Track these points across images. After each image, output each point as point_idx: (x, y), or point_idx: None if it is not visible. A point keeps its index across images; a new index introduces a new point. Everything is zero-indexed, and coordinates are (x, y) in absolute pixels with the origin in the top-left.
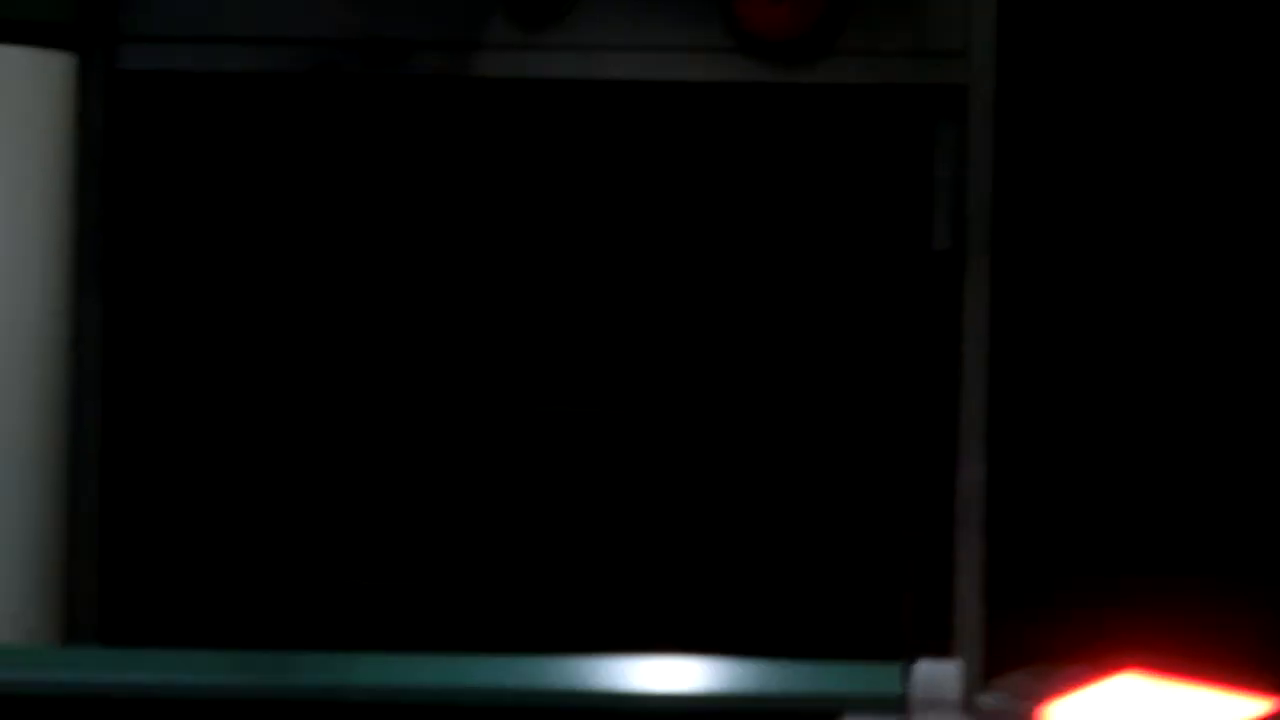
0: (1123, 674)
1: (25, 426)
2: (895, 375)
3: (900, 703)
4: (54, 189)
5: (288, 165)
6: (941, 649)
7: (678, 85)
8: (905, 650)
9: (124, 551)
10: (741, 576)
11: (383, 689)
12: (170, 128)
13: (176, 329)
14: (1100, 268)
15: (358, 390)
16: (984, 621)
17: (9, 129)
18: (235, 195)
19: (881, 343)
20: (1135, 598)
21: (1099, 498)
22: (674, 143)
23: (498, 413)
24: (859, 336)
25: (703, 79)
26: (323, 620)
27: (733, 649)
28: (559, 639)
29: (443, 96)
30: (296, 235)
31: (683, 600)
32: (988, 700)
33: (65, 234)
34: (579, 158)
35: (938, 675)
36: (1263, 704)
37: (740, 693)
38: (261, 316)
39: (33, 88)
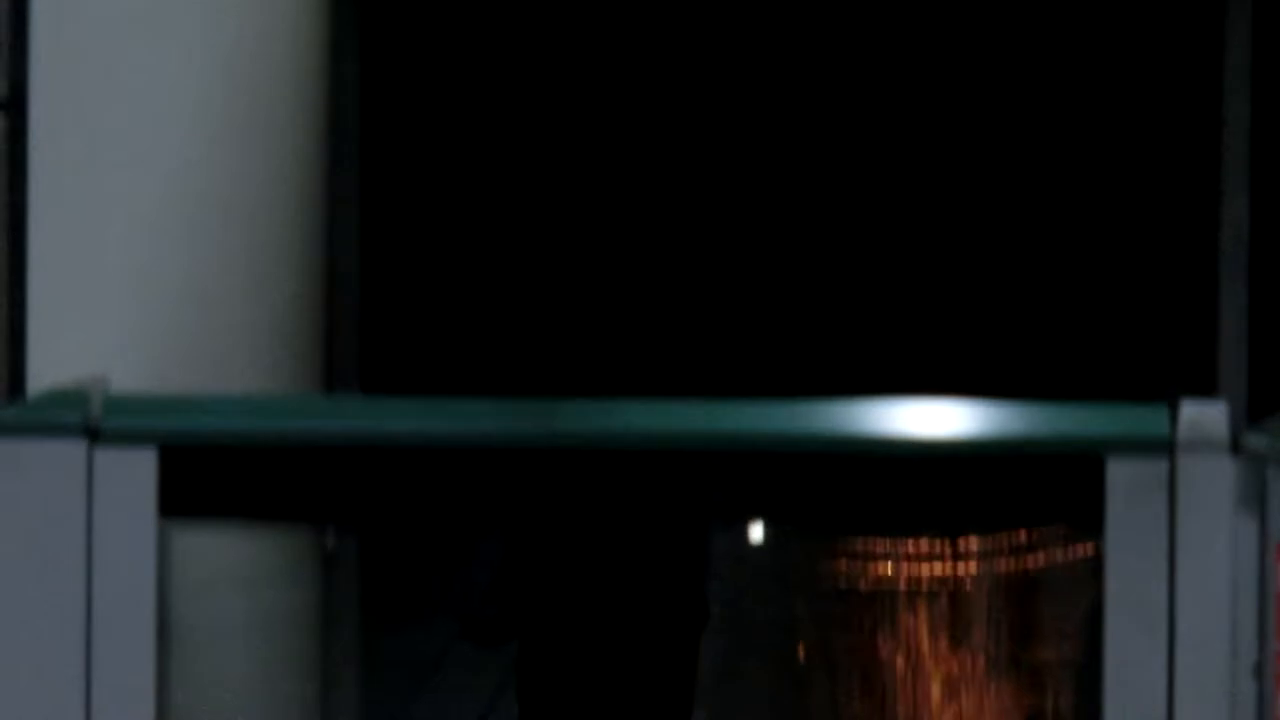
0: None
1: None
2: (1156, 111)
3: (1166, 444)
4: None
5: None
6: (1206, 390)
7: None
8: (1170, 392)
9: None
10: (1003, 321)
11: (652, 435)
12: None
13: None
14: None
15: None
16: (1248, 361)
17: None
18: None
19: (1143, 79)
20: None
21: None
22: None
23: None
24: (1125, 74)
25: None
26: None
27: (994, 393)
28: (814, 387)
29: None
30: None
31: (941, 346)
32: (1257, 440)
33: None
34: None
35: (1204, 416)
36: None
37: (1001, 436)
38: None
39: None
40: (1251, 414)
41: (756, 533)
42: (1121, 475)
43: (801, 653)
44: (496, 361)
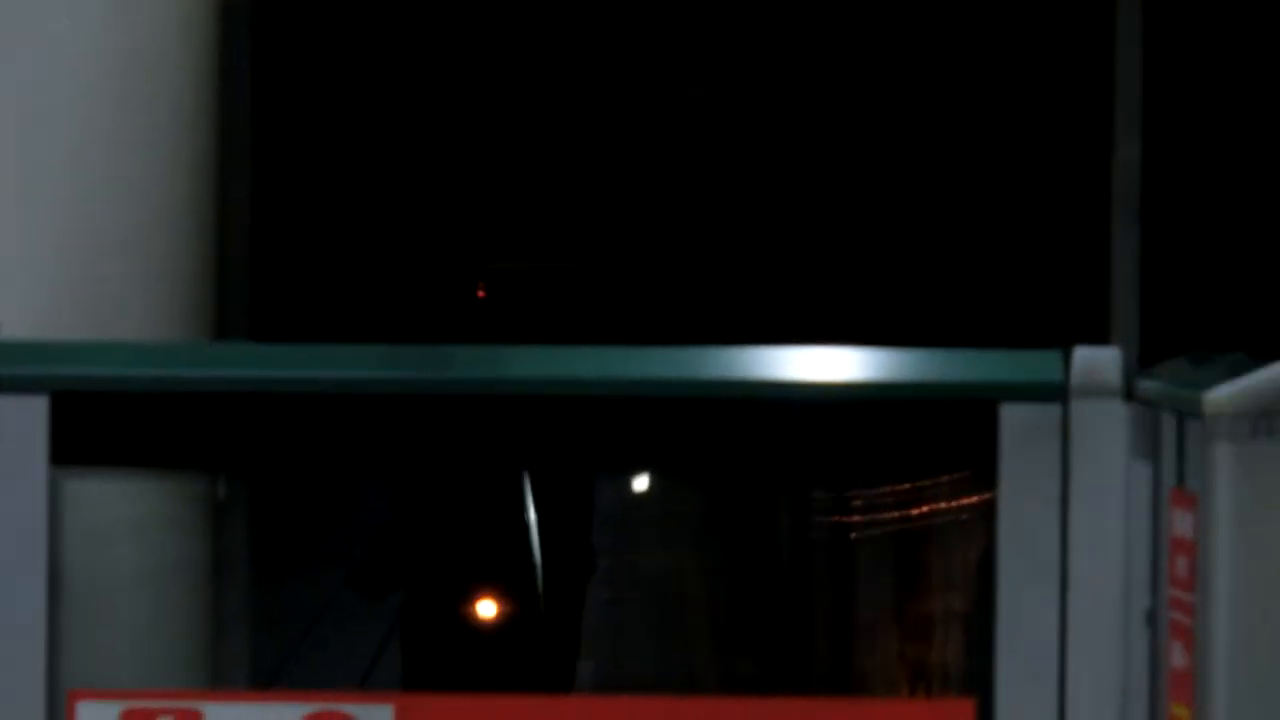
0: None
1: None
2: (1048, 58)
3: (1059, 390)
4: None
5: None
6: (1099, 336)
7: None
8: (1063, 338)
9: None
10: (897, 269)
11: (537, 381)
12: None
13: None
14: None
15: None
16: (1140, 307)
17: None
18: None
19: (1037, 28)
20: None
21: (1257, 177)
22: None
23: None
24: (1020, 25)
25: None
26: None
27: (888, 342)
28: (712, 332)
29: None
30: None
31: (834, 295)
32: (1149, 386)
33: None
34: None
35: (1097, 361)
36: None
37: (895, 381)
38: None
39: None
40: (1144, 360)
41: (644, 482)
42: (1015, 420)
43: (688, 602)
44: (383, 310)
